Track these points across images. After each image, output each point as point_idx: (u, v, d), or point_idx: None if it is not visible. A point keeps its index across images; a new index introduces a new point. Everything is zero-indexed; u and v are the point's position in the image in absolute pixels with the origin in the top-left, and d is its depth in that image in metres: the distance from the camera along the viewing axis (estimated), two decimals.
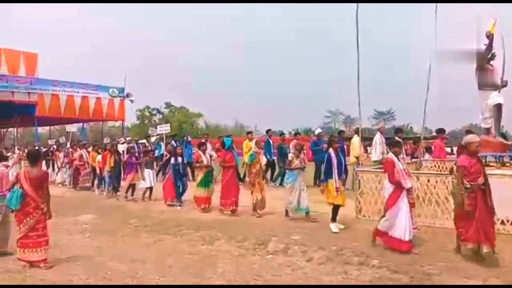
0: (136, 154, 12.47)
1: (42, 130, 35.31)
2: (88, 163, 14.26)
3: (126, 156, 13.02)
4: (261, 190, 8.79)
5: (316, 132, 14.19)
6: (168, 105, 55.82)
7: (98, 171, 13.26)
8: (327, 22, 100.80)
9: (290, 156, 8.39)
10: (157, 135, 16.67)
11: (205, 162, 9.80)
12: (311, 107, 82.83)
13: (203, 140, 12.31)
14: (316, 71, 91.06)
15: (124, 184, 12.02)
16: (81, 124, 29.77)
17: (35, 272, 5.47)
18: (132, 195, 11.48)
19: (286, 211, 8.30)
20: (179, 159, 10.42)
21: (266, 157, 13.03)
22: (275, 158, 13.38)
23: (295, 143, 8.88)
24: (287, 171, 8.67)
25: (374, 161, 9.97)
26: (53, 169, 16.50)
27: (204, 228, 7.74)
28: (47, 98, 23.59)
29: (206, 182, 9.62)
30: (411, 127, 59.72)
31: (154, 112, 56.51)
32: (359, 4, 8.27)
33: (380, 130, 11.29)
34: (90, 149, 15.00)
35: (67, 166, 15.46)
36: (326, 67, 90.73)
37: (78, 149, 15.22)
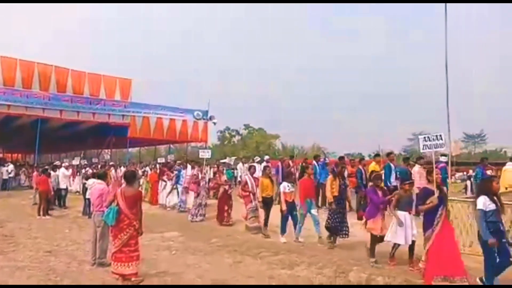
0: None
1: (131, 150, 37.79)
2: (254, 194, 10.38)
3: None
4: None
5: (443, 159, 11.83)
6: (246, 126, 57.25)
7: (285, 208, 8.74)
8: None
9: None
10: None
11: None
12: (392, 130, 79.29)
13: None
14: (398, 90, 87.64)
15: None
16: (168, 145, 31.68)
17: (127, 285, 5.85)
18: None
19: None
20: None
21: (386, 184, 11.41)
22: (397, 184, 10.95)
23: None
24: None
25: None
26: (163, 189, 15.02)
27: (284, 252, 7.74)
28: (138, 121, 25.52)
29: None
30: (505, 151, 54.97)
31: (234, 133, 58.22)
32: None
33: None
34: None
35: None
36: (409, 84, 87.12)
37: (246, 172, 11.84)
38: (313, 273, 6.43)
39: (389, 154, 12.95)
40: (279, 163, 15.15)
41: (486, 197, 5.40)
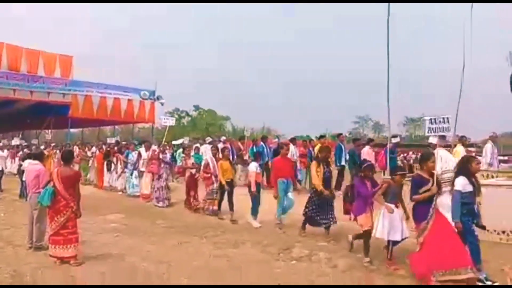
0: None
1: (73, 131, 36.03)
2: (216, 176, 9.45)
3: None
4: None
5: (394, 140, 11.45)
6: (196, 108, 56.58)
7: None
8: (358, 23, 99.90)
9: None
10: None
11: None
12: (339, 112, 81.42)
13: None
14: (345, 73, 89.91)
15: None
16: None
17: (65, 268, 5.64)
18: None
19: None
20: None
21: (336, 164, 11.97)
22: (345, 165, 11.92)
23: None
24: None
25: None
26: (113, 172, 14.24)
27: (231, 232, 7.79)
28: (80, 100, 24.32)
29: None
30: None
31: (183, 114, 57.37)
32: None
33: (491, 138, 10.34)
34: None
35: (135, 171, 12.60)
36: (356, 69, 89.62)
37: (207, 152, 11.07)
38: (258, 250, 6.54)
39: (339, 135, 13.32)
40: (228, 145, 15.04)
41: (465, 178, 5.25)
